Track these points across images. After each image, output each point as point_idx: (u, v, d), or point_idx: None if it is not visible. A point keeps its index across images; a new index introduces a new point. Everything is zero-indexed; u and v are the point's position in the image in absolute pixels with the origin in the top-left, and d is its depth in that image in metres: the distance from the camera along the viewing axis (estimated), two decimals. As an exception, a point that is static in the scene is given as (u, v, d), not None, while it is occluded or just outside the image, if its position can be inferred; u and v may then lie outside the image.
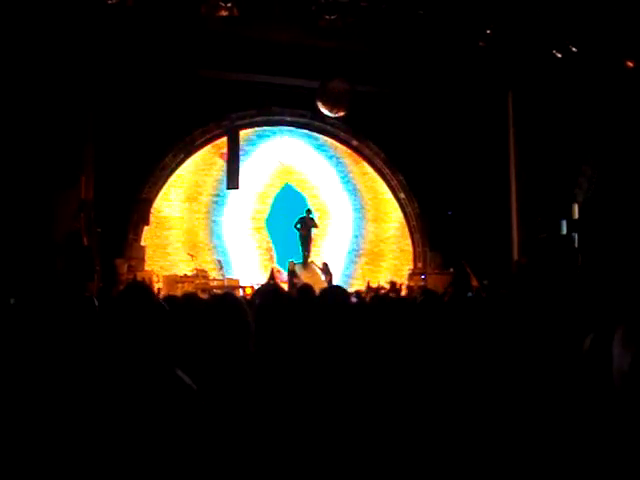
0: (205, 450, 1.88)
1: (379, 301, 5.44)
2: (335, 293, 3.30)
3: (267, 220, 15.89)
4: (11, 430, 1.97)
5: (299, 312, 4.51)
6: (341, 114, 14.53)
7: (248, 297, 11.94)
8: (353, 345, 2.96)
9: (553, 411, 2.27)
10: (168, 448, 1.54)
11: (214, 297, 3.07)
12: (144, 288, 3.20)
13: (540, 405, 2.43)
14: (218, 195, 15.37)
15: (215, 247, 15.22)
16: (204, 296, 8.77)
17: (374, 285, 14.66)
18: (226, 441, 2.19)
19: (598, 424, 1.73)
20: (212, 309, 2.76)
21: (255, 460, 2.24)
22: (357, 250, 16.58)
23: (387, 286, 14.61)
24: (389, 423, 2.57)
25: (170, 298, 4.34)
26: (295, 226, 15.05)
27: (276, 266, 15.24)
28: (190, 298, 3.87)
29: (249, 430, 2.29)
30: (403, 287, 14.72)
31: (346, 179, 16.67)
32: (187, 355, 2.67)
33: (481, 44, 12.23)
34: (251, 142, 15.83)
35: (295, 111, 15.54)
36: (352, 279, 16.15)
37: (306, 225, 15.04)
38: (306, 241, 15.09)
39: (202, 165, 15.27)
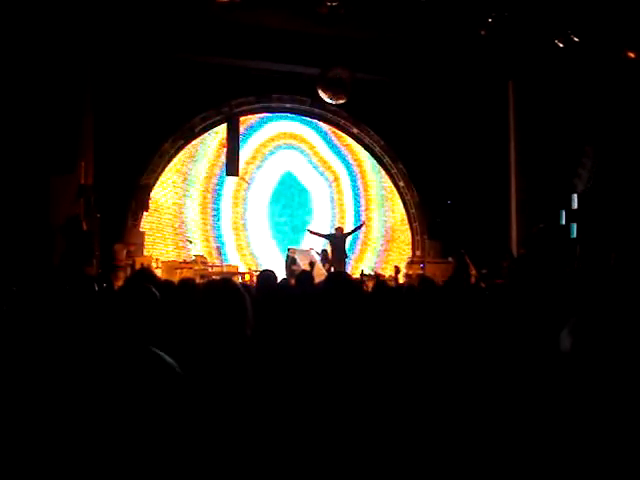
0: (197, 436, 1.90)
1: (379, 288, 5.47)
2: (339, 279, 3.31)
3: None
4: (12, 417, 1.99)
5: (297, 298, 4.52)
6: (341, 102, 14.49)
7: (247, 283, 12.02)
8: (352, 331, 2.97)
9: (549, 399, 2.29)
10: (162, 436, 1.55)
11: (209, 282, 3.07)
12: (150, 275, 3.22)
13: (536, 393, 2.45)
14: (217, 182, 15.36)
15: (214, 233, 15.23)
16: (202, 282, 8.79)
17: (372, 273, 14.61)
18: (220, 426, 2.20)
19: (592, 410, 1.77)
20: (207, 294, 2.77)
21: (248, 446, 2.25)
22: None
23: (386, 274, 14.61)
24: (386, 412, 2.58)
25: (166, 283, 4.35)
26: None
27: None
28: (186, 283, 3.89)
29: (243, 416, 2.30)
30: (401, 275, 14.70)
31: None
32: (183, 339, 2.68)
33: (482, 33, 12.19)
34: (251, 128, 15.85)
35: (295, 98, 15.50)
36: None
37: (337, 246, 14.19)
38: (337, 262, 14.03)
39: (201, 151, 15.25)
